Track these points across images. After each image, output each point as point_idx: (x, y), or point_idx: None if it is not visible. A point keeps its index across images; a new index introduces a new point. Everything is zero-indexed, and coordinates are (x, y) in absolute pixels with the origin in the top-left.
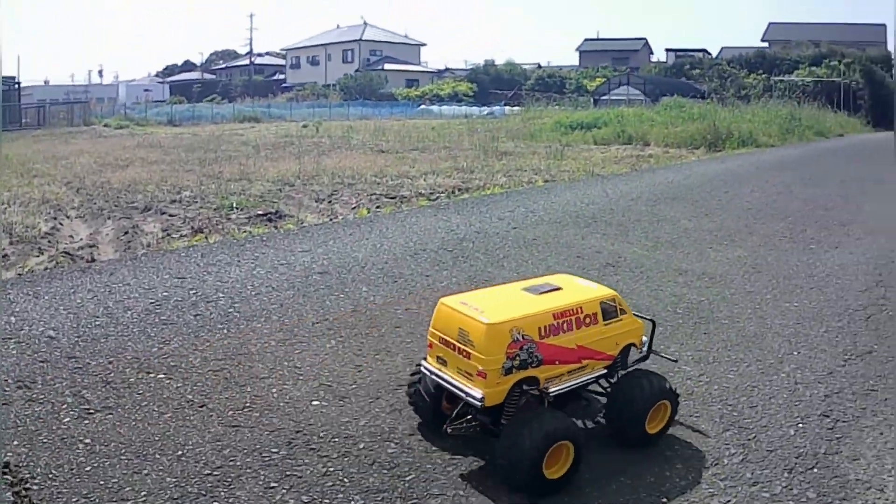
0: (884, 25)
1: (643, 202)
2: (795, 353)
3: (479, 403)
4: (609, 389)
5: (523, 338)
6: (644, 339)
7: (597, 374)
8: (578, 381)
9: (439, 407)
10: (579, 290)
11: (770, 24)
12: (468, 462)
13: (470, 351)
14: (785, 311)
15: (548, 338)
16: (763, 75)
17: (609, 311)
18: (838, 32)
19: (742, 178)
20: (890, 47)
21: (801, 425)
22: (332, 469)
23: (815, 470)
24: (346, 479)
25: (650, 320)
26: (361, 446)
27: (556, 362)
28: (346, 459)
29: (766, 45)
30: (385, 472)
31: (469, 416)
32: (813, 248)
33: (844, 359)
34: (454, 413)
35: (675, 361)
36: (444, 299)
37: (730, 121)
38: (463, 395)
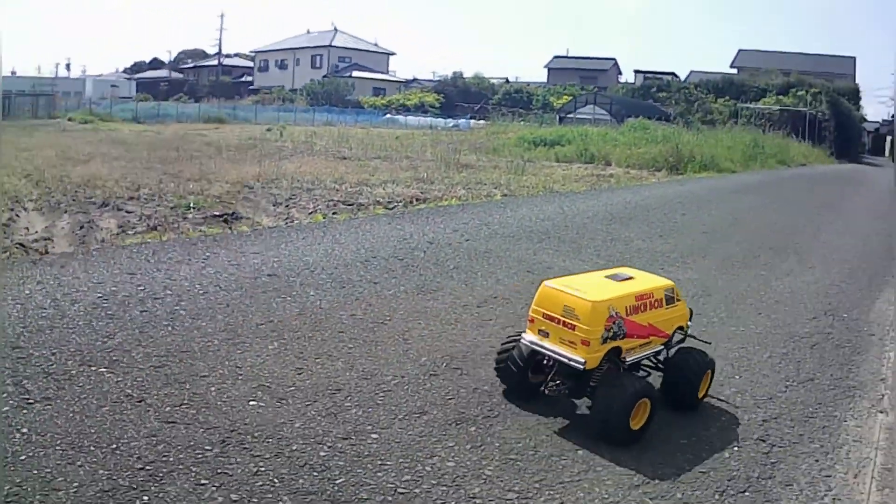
0: (853, 58)
1: (599, 221)
2: (737, 377)
3: (582, 367)
4: (663, 364)
5: (616, 314)
6: (689, 323)
7: (656, 350)
8: (644, 353)
9: (527, 376)
10: (648, 279)
11: (740, 50)
12: (397, 467)
13: (575, 324)
14: (731, 335)
15: (631, 316)
16: (730, 101)
17: (669, 298)
18: (808, 62)
19: (700, 202)
20: (859, 80)
21: (736, 448)
22: (263, 469)
23: (747, 493)
24: (276, 480)
25: (689, 309)
26: (294, 448)
27: (635, 336)
28: (277, 460)
29: (735, 71)
30: (316, 474)
31: (558, 381)
32: (764, 274)
33: (786, 385)
34: (548, 377)
35: (709, 343)
36: (546, 283)
37: (693, 144)
38: (566, 360)
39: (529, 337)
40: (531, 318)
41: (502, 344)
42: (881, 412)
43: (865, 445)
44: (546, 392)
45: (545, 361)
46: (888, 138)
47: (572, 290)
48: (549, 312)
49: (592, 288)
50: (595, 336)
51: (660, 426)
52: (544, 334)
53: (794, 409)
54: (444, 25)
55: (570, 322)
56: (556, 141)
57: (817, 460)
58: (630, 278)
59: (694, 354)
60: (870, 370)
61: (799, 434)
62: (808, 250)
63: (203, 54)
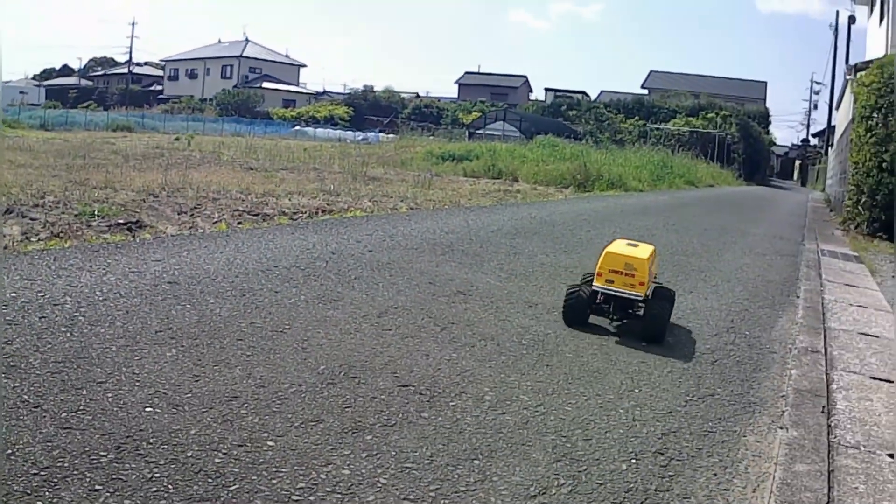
0: (764, 83)
1: (503, 235)
2: (637, 390)
3: (641, 299)
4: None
5: (650, 266)
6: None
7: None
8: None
9: (587, 310)
10: (647, 246)
11: (651, 71)
12: (292, 475)
13: (634, 273)
14: (630, 351)
15: (651, 266)
16: (640, 121)
17: (656, 255)
18: (719, 86)
19: (605, 219)
20: (769, 104)
21: (634, 461)
22: (157, 475)
23: None
24: (170, 486)
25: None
26: (189, 454)
27: (653, 279)
28: (172, 466)
29: (645, 92)
30: (210, 480)
31: (611, 313)
32: None
33: (686, 399)
34: (610, 311)
35: (660, 282)
36: (608, 248)
37: (601, 163)
38: (630, 296)
39: (598, 285)
40: (598, 273)
41: (568, 288)
42: (781, 428)
43: (765, 460)
44: (612, 320)
45: (598, 300)
46: (797, 162)
47: (628, 252)
48: (613, 268)
49: (635, 251)
50: (646, 280)
51: (557, 436)
52: (610, 282)
53: (693, 424)
54: (356, 39)
55: (630, 272)
56: (465, 156)
57: (716, 474)
58: (638, 245)
59: (665, 289)
60: (771, 387)
61: (698, 448)
62: (712, 269)
63: (113, 62)
